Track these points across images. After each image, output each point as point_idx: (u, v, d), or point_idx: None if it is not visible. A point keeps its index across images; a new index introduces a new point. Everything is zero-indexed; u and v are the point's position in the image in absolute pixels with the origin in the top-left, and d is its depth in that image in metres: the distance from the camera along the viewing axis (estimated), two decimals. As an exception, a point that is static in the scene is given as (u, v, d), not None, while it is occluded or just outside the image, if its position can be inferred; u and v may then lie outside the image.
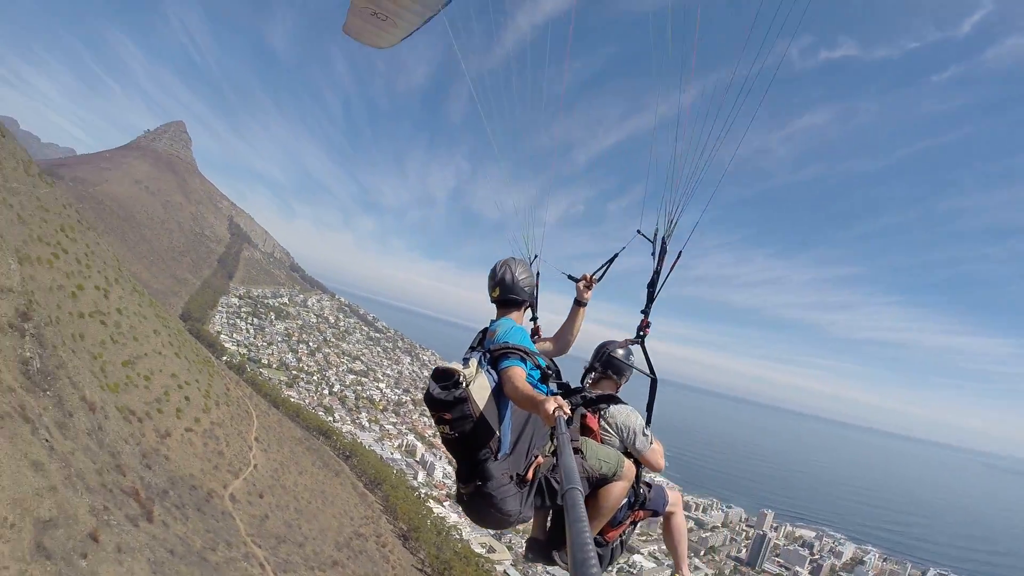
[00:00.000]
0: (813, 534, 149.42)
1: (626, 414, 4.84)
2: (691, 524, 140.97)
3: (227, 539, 50.80)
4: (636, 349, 5.31)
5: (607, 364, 5.26)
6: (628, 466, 4.58)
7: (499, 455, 3.82)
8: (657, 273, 5.08)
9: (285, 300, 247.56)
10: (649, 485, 5.17)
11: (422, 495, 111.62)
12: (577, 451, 4.21)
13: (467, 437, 3.73)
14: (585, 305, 5.00)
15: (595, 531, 4.55)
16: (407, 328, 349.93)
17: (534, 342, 4.97)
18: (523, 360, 3.90)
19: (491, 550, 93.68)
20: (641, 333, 5.19)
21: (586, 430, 4.75)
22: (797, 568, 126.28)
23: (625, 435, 4.78)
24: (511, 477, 3.86)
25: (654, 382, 5.16)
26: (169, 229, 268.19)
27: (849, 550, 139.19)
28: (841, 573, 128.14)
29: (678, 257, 5.06)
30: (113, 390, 58.56)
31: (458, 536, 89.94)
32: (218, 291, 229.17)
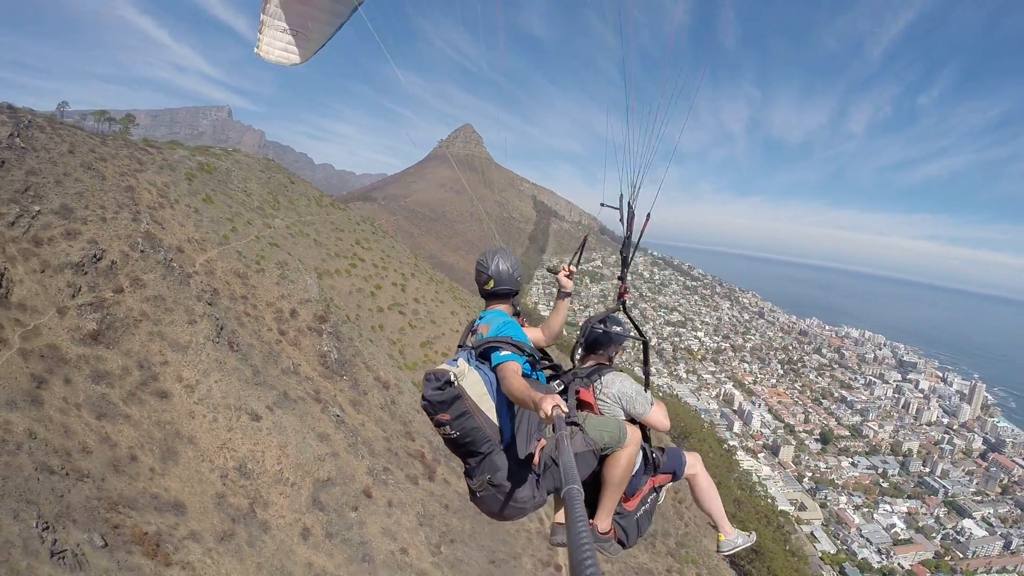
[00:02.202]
0: None
1: (619, 382, 4.92)
2: None
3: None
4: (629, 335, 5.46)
5: (590, 339, 5.33)
6: (632, 431, 4.65)
7: (502, 446, 4.07)
8: (628, 239, 5.33)
9: (598, 263, 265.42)
10: (662, 449, 5.21)
11: (731, 447, 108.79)
12: (575, 424, 4.39)
13: (468, 433, 3.97)
14: (570, 295, 5.14)
15: (613, 502, 4.70)
16: (725, 272, 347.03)
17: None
18: (516, 353, 4.06)
19: (801, 507, 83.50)
20: (621, 300, 5.41)
21: (583, 406, 4.92)
22: None
23: (624, 403, 4.85)
24: (519, 464, 4.07)
25: (645, 345, 5.37)
26: (478, 219, 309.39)
27: None
28: None
29: (647, 220, 5.22)
30: (411, 368, 71.89)
31: (763, 492, 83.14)
32: (532, 266, 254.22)
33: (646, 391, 5.01)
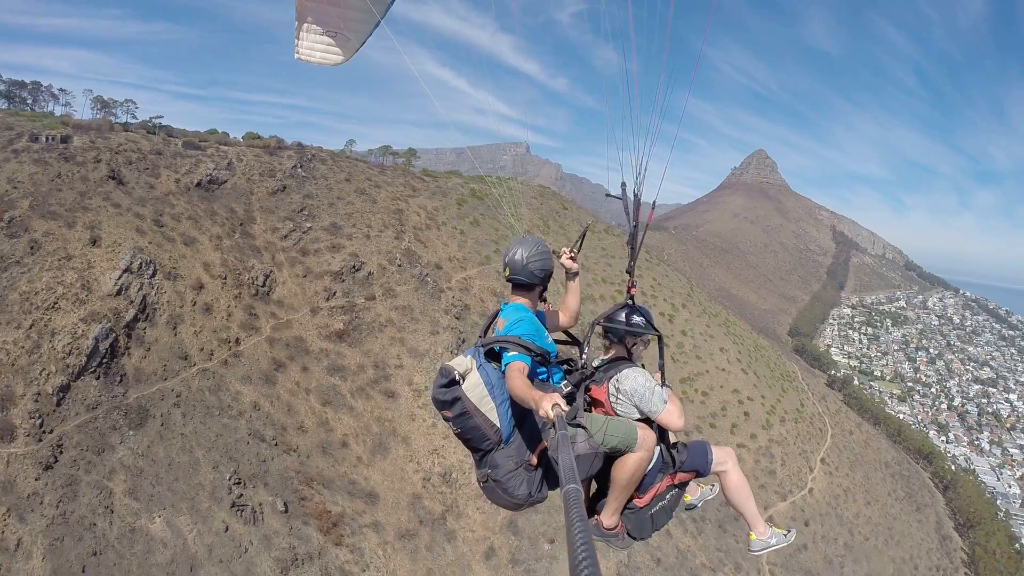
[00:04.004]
0: None
1: (632, 378, 4.85)
2: None
3: (737, 561, 47.98)
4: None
5: (605, 332, 5.35)
6: (644, 436, 4.63)
7: (503, 445, 4.36)
8: (635, 229, 5.29)
9: (902, 304, 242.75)
10: (685, 445, 5.10)
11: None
12: (579, 427, 4.42)
13: (468, 431, 4.31)
14: (577, 275, 5.40)
15: (620, 501, 4.83)
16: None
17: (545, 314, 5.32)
18: (524, 353, 4.28)
19: None
20: (630, 294, 5.33)
21: (595, 403, 4.96)
22: None
23: (635, 400, 4.80)
24: (517, 464, 4.35)
25: (660, 339, 5.19)
26: (773, 251, 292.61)
27: None
28: None
29: (653, 208, 5.34)
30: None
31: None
32: (828, 303, 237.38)
33: (662, 387, 4.88)
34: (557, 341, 5.19)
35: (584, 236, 5.56)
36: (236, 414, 39.07)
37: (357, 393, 48.09)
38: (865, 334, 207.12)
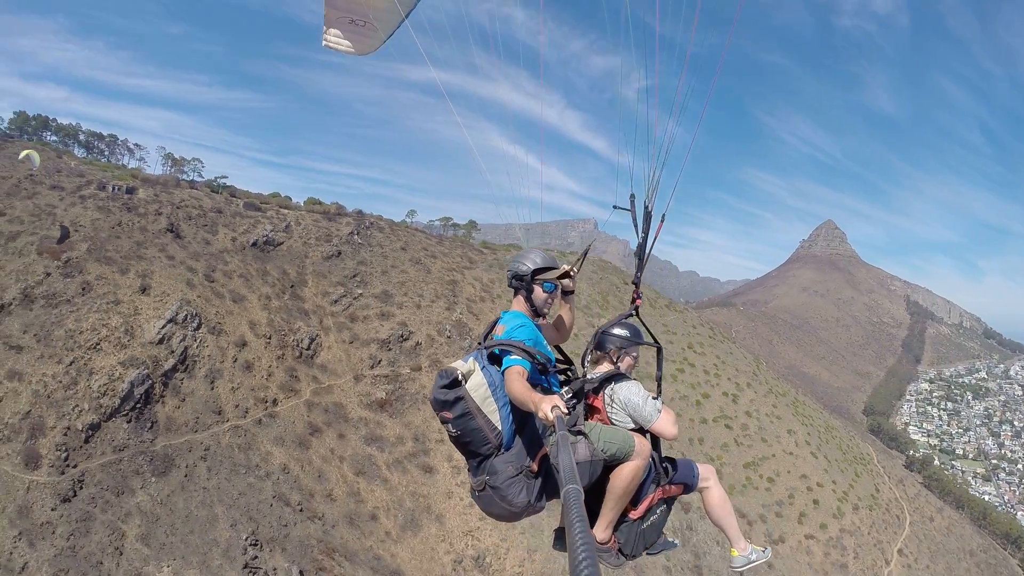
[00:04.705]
0: None
1: (626, 389, 4.96)
2: None
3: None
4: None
5: (598, 343, 5.42)
6: (640, 444, 4.67)
7: (502, 450, 4.30)
8: (643, 242, 5.46)
9: (982, 374, 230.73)
10: (674, 460, 5.23)
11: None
12: (580, 434, 4.42)
13: (468, 434, 4.22)
14: (572, 293, 5.34)
15: (615, 513, 4.74)
16: None
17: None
18: (524, 358, 4.28)
19: None
20: (634, 305, 5.54)
21: (592, 411, 5.03)
22: None
23: (630, 410, 4.90)
24: (518, 470, 4.27)
25: (659, 351, 5.33)
26: (845, 325, 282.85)
27: None
28: None
29: (662, 221, 5.44)
30: (726, 492, 63.99)
31: None
32: (905, 378, 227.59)
33: (657, 399, 5.02)
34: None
35: (585, 256, 5.49)
36: (263, 475, 37.49)
37: (393, 465, 45.73)
38: (945, 409, 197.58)
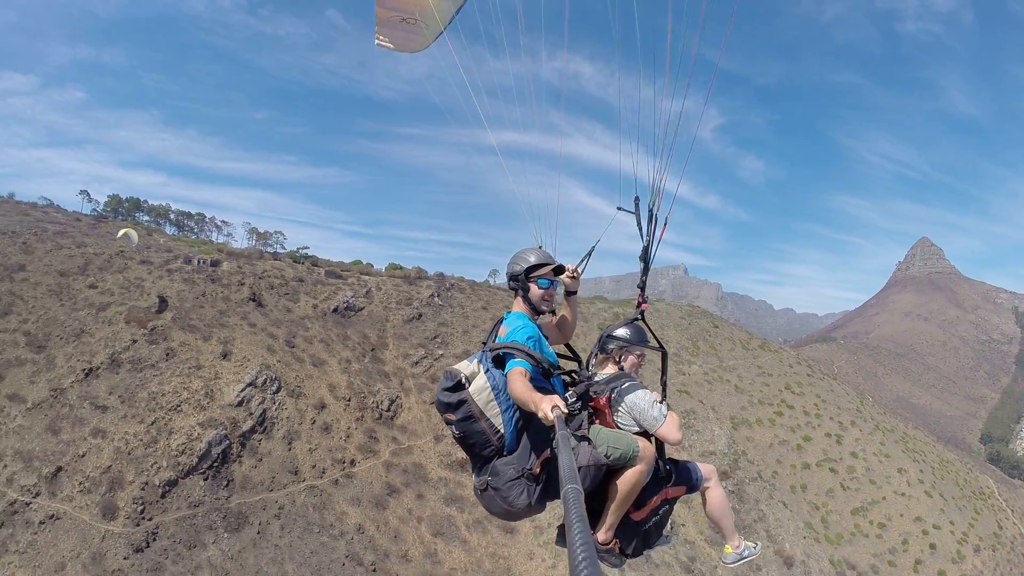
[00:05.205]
0: None
1: (632, 392, 5.02)
2: None
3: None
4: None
5: (601, 346, 5.57)
6: (644, 448, 4.72)
7: (505, 452, 4.38)
8: (648, 245, 5.44)
9: None
10: (676, 462, 5.28)
11: None
12: (584, 439, 4.50)
13: (471, 436, 4.36)
14: (575, 293, 5.46)
15: (617, 516, 4.82)
16: None
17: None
18: (528, 360, 4.37)
19: None
20: (640, 310, 5.57)
21: (598, 414, 5.08)
22: None
23: (635, 414, 4.95)
24: (519, 473, 4.31)
25: (664, 355, 5.39)
26: (953, 348, 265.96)
27: None
28: None
29: (664, 225, 5.44)
30: (832, 542, 59.14)
31: None
32: (1022, 398, 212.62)
33: (662, 402, 5.03)
34: (560, 356, 5.16)
35: (590, 255, 5.47)
36: (337, 534, 37.31)
37: (473, 526, 44.55)
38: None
